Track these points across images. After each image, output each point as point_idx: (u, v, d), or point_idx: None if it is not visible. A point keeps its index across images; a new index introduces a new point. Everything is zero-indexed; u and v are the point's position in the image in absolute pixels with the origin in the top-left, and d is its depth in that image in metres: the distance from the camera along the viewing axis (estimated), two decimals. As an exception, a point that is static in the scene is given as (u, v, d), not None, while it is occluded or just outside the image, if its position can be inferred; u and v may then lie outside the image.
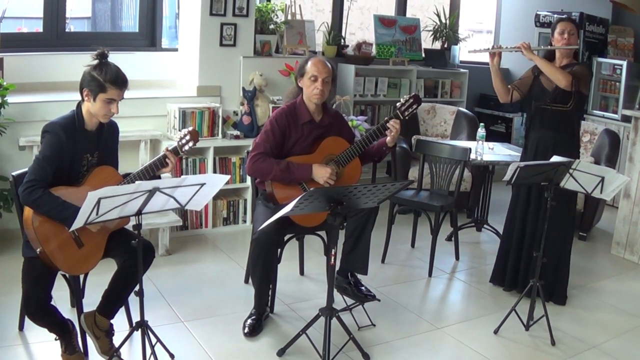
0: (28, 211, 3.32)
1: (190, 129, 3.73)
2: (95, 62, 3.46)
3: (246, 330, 4.15)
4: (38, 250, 3.29)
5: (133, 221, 3.27)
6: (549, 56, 4.81)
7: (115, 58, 3.63)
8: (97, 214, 3.04)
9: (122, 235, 3.58)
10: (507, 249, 5.05)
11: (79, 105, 3.52)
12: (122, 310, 3.81)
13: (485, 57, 5.02)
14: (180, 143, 3.70)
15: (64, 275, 3.66)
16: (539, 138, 4.83)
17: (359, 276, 4.52)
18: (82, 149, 3.50)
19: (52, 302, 3.45)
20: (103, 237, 3.52)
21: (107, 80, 3.40)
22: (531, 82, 4.88)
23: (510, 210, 5.07)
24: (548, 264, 4.68)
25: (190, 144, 3.71)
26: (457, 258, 5.80)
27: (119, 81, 3.45)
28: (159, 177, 3.67)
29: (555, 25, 4.78)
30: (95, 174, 3.54)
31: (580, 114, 4.85)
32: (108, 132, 3.67)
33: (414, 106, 4.29)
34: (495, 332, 4.38)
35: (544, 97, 4.76)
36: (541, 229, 4.47)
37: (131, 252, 3.38)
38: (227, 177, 3.51)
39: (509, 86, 4.91)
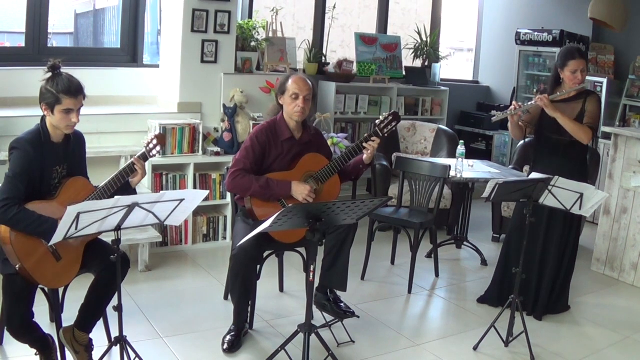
0: (5, 228, 3.30)
1: (157, 132, 3.73)
2: (49, 75, 3.45)
3: (225, 346, 4.13)
4: (17, 266, 3.27)
5: (112, 236, 3.27)
6: (556, 83, 4.82)
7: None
8: (76, 228, 3.04)
9: (98, 247, 3.58)
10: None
11: (43, 119, 3.51)
12: (102, 325, 3.80)
13: (467, 76, 5.03)
14: (147, 148, 3.72)
15: (43, 290, 3.63)
16: (552, 165, 4.75)
17: (339, 293, 4.53)
18: (50, 161, 3.49)
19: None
20: (80, 248, 3.52)
21: (60, 91, 3.38)
22: (539, 114, 4.86)
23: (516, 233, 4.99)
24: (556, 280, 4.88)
25: (158, 148, 3.73)
26: (437, 275, 5.81)
27: (72, 90, 3.42)
28: (131, 187, 3.70)
29: (566, 62, 4.67)
30: (68, 186, 3.54)
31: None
32: (75, 143, 3.66)
33: (394, 123, 4.32)
34: (475, 348, 4.39)
35: (556, 128, 4.72)
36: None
37: (108, 263, 3.38)
38: (206, 192, 3.52)
39: (520, 123, 4.92)
